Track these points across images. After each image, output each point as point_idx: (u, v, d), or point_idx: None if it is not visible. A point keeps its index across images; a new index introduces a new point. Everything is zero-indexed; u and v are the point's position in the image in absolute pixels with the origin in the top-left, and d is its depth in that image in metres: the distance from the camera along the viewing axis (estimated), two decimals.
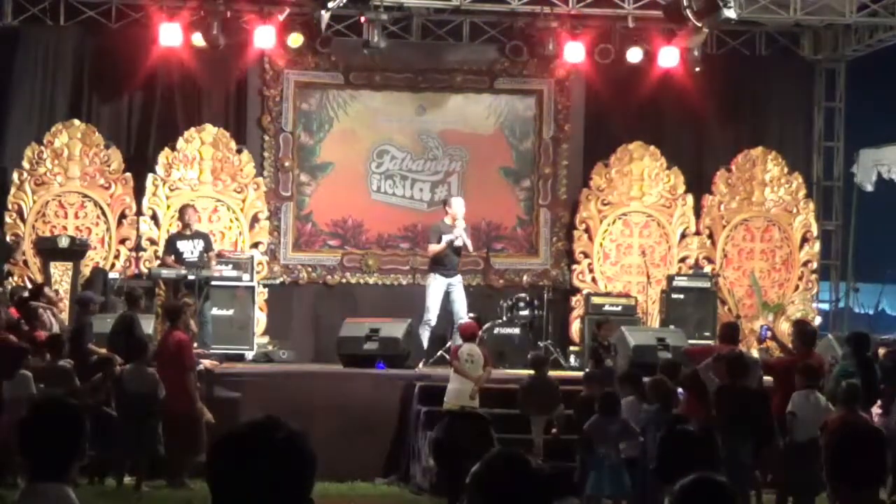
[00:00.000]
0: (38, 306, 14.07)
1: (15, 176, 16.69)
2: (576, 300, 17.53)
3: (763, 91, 18.44)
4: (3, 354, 12.31)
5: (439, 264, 15.57)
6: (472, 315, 16.39)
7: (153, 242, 16.71)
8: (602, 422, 11.06)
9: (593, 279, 17.72)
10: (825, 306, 19.03)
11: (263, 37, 16.60)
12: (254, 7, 16.78)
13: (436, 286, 15.50)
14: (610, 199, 17.83)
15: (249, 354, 16.09)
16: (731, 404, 11.04)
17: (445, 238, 15.41)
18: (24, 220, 16.64)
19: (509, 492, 3.23)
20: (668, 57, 17.13)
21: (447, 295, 15.49)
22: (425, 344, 15.40)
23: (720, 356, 11.83)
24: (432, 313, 15.42)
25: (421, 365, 15.16)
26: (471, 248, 15.82)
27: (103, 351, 13.22)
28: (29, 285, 15.81)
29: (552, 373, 13.75)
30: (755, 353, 15.26)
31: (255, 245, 17.16)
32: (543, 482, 3.27)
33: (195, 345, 13.56)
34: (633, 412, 11.24)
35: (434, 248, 15.53)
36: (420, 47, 17.89)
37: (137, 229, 16.84)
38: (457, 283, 15.60)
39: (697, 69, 17.08)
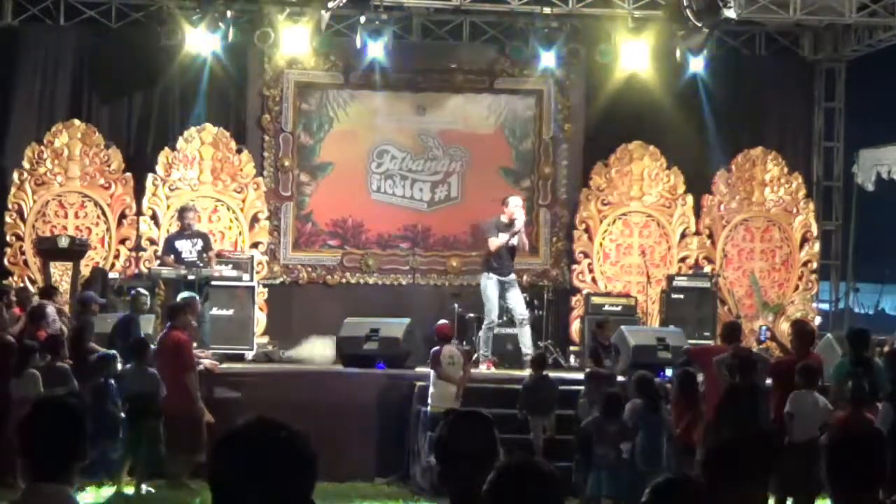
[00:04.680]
0: (48, 306, 14.05)
1: (15, 176, 16.69)
2: (576, 300, 17.53)
3: (763, 91, 18.44)
4: (9, 353, 12.32)
5: (493, 264, 15.33)
6: (471, 315, 16.43)
7: (153, 242, 16.72)
8: (602, 422, 11.07)
9: (593, 279, 17.73)
10: (825, 306, 19.04)
11: (264, 37, 16.59)
12: (254, 7, 16.79)
13: (491, 286, 15.24)
14: (610, 199, 17.83)
15: (249, 354, 16.08)
16: (739, 402, 11.05)
17: (502, 236, 15.17)
18: (24, 220, 16.64)
19: (525, 498, 3.24)
20: (669, 57, 17.11)
21: (503, 294, 15.28)
22: (490, 346, 15.25)
23: (736, 352, 11.85)
24: (494, 314, 15.21)
25: (485, 366, 15.09)
26: (526, 247, 15.65)
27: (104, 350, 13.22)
28: (30, 286, 15.81)
29: (552, 373, 13.81)
30: None
31: (255, 245, 17.17)
32: (557, 486, 3.28)
33: (195, 345, 13.56)
34: (634, 413, 11.24)
35: (495, 241, 15.20)
36: (420, 47, 17.90)
37: (137, 229, 16.84)
38: (512, 281, 15.37)
39: (700, 71, 17.09)
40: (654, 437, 11.02)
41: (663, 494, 3.36)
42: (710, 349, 13.28)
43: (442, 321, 14.10)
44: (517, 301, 15.32)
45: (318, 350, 15.73)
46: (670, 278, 17.17)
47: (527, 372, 13.61)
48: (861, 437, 4.26)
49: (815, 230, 18.11)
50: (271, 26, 16.50)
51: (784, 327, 16.32)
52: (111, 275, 16.31)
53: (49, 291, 14.83)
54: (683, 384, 11.53)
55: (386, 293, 17.41)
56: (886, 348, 13.55)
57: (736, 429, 10.24)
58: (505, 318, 16.30)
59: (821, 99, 18.80)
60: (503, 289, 15.28)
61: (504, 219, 15.34)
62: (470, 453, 3.91)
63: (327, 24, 16.84)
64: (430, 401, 12.90)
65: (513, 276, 15.45)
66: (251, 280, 16.37)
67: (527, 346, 15.11)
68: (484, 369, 15.02)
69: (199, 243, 15.66)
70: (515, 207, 15.39)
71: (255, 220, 17.23)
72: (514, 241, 15.23)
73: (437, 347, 13.14)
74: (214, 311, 15.63)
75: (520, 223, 15.26)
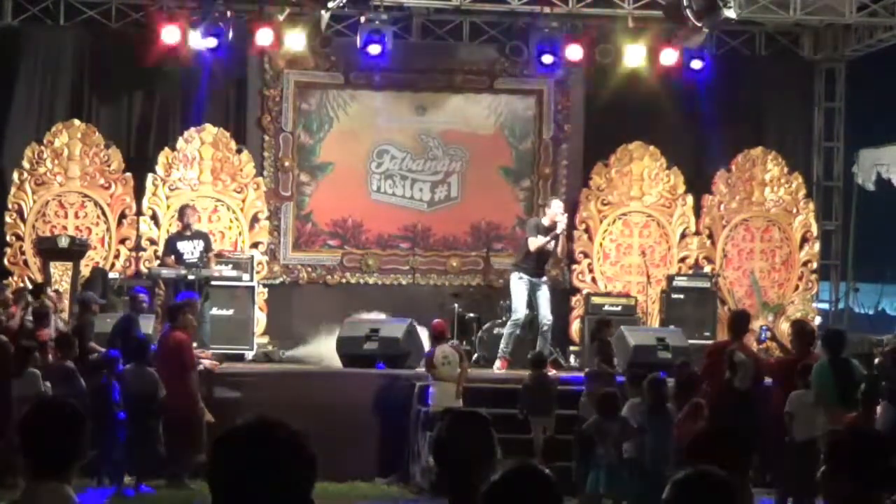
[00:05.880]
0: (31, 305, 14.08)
1: (15, 176, 16.69)
2: (576, 300, 17.54)
3: (763, 91, 18.44)
4: (8, 353, 12.32)
5: (526, 264, 15.16)
6: (471, 315, 16.42)
7: (153, 242, 16.72)
8: (602, 422, 11.07)
9: (593, 279, 17.73)
10: (825, 306, 19.04)
11: (263, 37, 16.62)
12: (254, 7, 16.80)
13: (520, 286, 15.05)
14: (610, 199, 17.83)
15: (249, 354, 16.09)
16: (728, 403, 11.05)
17: (541, 238, 14.96)
18: (24, 220, 16.65)
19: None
20: (668, 57, 17.13)
21: (532, 295, 15.12)
22: (510, 345, 15.10)
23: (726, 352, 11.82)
24: (520, 313, 15.05)
25: (498, 365, 15.04)
26: (559, 251, 15.59)
27: (104, 350, 13.23)
28: (29, 285, 15.81)
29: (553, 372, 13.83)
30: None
31: (255, 245, 17.17)
32: (556, 493, 3.26)
33: (195, 345, 13.57)
34: (638, 413, 11.20)
35: (535, 242, 14.96)
36: (420, 47, 17.90)
37: (137, 229, 16.84)
38: (543, 283, 15.19)
39: (698, 67, 17.07)
40: (663, 438, 10.95)
41: (686, 488, 3.36)
42: (718, 346, 13.03)
43: (437, 320, 14.06)
44: (544, 306, 15.10)
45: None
46: (670, 278, 17.17)
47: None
48: (862, 437, 4.26)
49: (815, 230, 18.11)
50: (271, 26, 16.52)
51: (784, 327, 16.31)
52: (111, 275, 16.32)
53: (35, 291, 14.79)
54: (683, 384, 11.52)
55: (386, 293, 17.39)
56: (887, 348, 13.52)
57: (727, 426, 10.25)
58: (504, 318, 16.30)
59: (821, 99, 18.80)
60: (532, 290, 15.10)
61: (546, 221, 15.19)
62: (468, 453, 3.90)
63: (327, 24, 16.85)
64: (430, 401, 12.91)
65: (544, 279, 15.29)
66: (251, 280, 16.38)
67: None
68: (496, 368, 14.97)
69: (201, 244, 15.67)
70: (558, 211, 15.27)
71: (255, 220, 17.23)
72: (552, 245, 15.11)
73: (430, 349, 13.12)
74: (214, 311, 15.64)
75: (561, 226, 15.15)
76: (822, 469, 4.07)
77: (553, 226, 15.09)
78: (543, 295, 15.14)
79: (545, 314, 15.08)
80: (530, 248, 15.08)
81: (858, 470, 4.05)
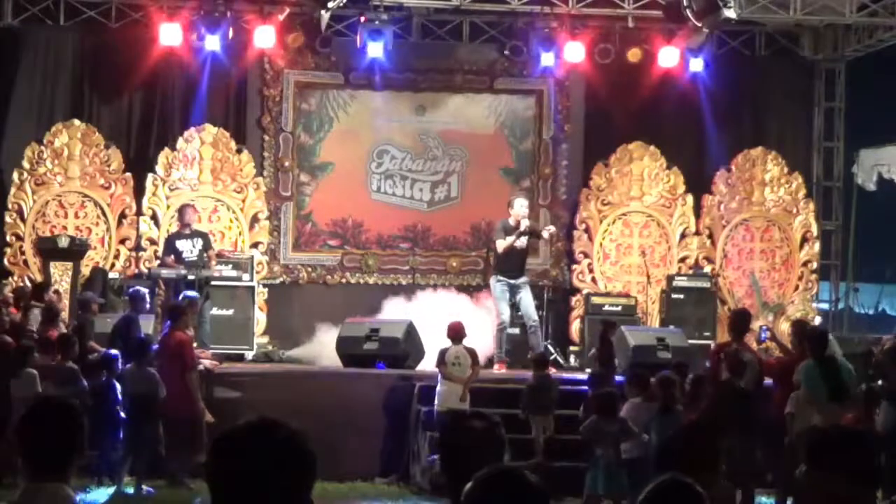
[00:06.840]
0: (35, 306, 14.08)
1: (15, 176, 16.69)
2: (576, 300, 17.54)
3: (763, 91, 18.44)
4: (7, 353, 12.32)
5: (501, 266, 15.14)
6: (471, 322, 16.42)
7: (153, 242, 16.72)
8: (600, 422, 11.06)
9: (593, 279, 17.73)
10: (825, 306, 19.03)
11: (263, 37, 16.62)
12: (254, 7, 16.80)
13: (500, 288, 15.01)
14: (610, 199, 17.84)
15: (249, 354, 16.09)
16: (729, 402, 11.05)
17: (509, 239, 14.93)
18: (24, 220, 16.65)
19: None
20: (668, 57, 17.14)
21: (514, 297, 15.05)
22: (504, 347, 15.10)
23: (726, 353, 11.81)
24: (504, 316, 15.02)
25: (497, 367, 15.03)
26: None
27: (104, 350, 13.23)
28: (30, 286, 15.81)
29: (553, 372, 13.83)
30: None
31: (255, 245, 17.17)
32: (540, 498, 3.23)
33: (195, 344, 13.57)
34: (638, 413, 11.19)
35: (501, 243, 14.95)
36: (420, 47, 17.90)
37: (137, 229, 16.85)
38: (523, 284, 15.12)
39: (700, 71, 17.09)
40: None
41: (661, 494, 3.35)
42: (721, 347, 13.02)
43: (454, 320, 14.05)
44: (527, 306, 15.08)
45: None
46: (670, 278, 17.17)
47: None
48: (849, 435, 4.24)
49: (815, 230, 18.11)
50: (271, 26, 16.52)
51: (784, 327, 16.31)
52: (111, 275, 16.33)
53: (37, 291, 14.81)
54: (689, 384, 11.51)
55: (386, 293, 17.38)
56: (886, 346, 13.52)
57: (726, 429, 10.25)
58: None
59: (821, 99, 18.80)
60: (513, 292, 15.07)
61: (511, 221, 15.16)
62: (472, 453, 3.88)
63: (327, 24, 16.85)
64: (436, 400, 12.91)
65: (523, 279, 15.19)
66: (251, 280, 16.38)
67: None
68: (495, 370, 14.98)
69: (200, 243, 15.68)
70: (520, 209, 15.26)
71: (255, 220, 17.24)
72: (520, 243, 15.09)
73: (444, 347, 13.13)
74: (214, 311, 15.64)
75: (525, 224, 15.11)
76: (802, 468, 4.05)
77: (518, 224, 15.08)
78: (525, 295, 15.14)
79: (530, 314, 15.08)
80: (497, 249, 15.12)
81: (850, 468, 4.03)
